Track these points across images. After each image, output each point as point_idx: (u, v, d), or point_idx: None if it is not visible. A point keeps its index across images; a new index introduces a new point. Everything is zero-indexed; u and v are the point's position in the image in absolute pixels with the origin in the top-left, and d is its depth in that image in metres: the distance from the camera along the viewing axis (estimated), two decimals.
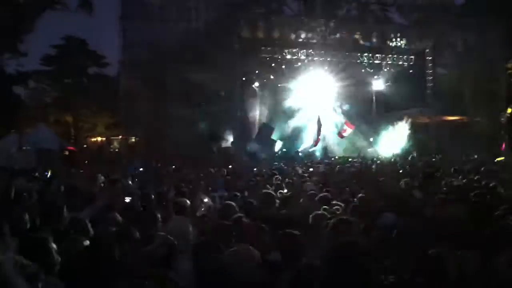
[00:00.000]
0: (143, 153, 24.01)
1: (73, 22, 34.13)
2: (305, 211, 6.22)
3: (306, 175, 13.62)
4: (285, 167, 18.04)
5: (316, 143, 28.29)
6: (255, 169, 17.58)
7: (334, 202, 7.05)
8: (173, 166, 18.27)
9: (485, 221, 5.14)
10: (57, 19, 34.53)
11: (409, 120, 32.35)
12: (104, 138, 33.78)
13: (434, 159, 23.29)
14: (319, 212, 5.68)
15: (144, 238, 4.13)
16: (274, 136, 30.13)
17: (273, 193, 7.48)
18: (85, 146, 30.96)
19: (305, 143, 31.06)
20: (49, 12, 31.97)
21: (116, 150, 29.73)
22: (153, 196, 7.31)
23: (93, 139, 34.25)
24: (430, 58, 31.37)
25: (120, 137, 30.49)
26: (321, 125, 27.94)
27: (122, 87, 27.93)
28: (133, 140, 28.00)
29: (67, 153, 22.94)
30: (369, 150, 30.47)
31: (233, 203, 6.31)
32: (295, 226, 4.76)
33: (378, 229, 5.34)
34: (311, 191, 8.38)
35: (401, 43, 31.54)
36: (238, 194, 8.50)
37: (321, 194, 7.77)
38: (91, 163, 22.03)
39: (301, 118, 31.94)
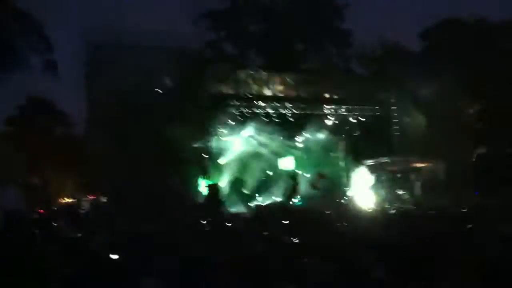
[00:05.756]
0: (113, 214, 23.45)
1: (37, 83, 33.88)
2: None
3: None
4: None
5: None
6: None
7: None
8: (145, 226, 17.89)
9: None
10: (20, 80, 34.26)
11: (378, 169, 32.86)
12: (74, 199, 33.06)
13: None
14: None
15: None
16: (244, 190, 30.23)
17: None
18: (55, 208, 30.14)
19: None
20: (11, 74, 31.81)
21: (88, 211, 29.03)
22: None
23: (62, 201, 33.45)
24: (394, 107, 32.04)
25: (91, 197, 29.90)
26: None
27: (90, 146, 27.58)
28: (104, 200, 27.43)
29: (36, 216, 22.27)
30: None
31: None
32: None
33: None
34: None
35: (364, 93, 32.19)
36: None
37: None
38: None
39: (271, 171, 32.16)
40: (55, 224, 19.51)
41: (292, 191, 27.52)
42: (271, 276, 5.66)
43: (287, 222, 17.08)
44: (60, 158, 32.03)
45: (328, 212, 17.39)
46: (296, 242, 8.62)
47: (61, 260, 8.27)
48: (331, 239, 9.39)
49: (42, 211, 23.96)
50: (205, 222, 19.31)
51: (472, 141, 31.49)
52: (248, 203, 29.82)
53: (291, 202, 28.84)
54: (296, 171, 27.69)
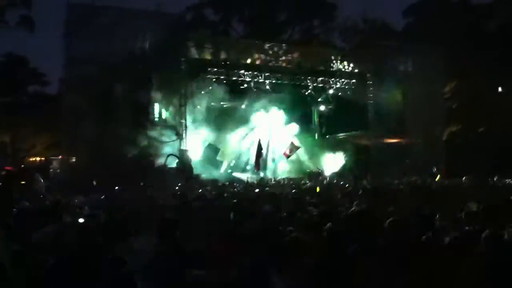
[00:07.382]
0: (84, 174, 23.33)
1: (13, 40, 33.16)
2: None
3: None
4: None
5: (257, 167, 28.47)
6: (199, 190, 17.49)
7: None
8: (116, 187, 17.92)
9: None
10: None
11: (351, 142, 33.12)
12: (43, 158, 32.67)
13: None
14: None
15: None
16: (219, 157, 30.13)
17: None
18: (22, 166, 29.74)
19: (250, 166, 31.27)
20: None
21: (57, 170, 28.69)
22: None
23: (31, 159, 33.06)
24: (371, 82, 32.07)
25: (60, 157, 29.49)
26: (261, 148, 28.09)
27: (63, 105, 27.14)
28: (74, 160, 27.04)
29: (4, 173, 21.97)
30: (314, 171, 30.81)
31: None
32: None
33: None
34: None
35: (343, 66, 32.09)
36: None
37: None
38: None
39: (246, 140, 32.13)
40: (23, 182, 19.37)
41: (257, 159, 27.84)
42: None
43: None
44: (32, 116, 31.50)
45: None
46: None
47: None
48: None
49: (10, 168, 23.63)
50: (176, 187, 19.36)
51: (444, 119, 31.90)
52: (221, 171, 29.87)
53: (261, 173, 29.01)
54: (262, 141, 27.93)
